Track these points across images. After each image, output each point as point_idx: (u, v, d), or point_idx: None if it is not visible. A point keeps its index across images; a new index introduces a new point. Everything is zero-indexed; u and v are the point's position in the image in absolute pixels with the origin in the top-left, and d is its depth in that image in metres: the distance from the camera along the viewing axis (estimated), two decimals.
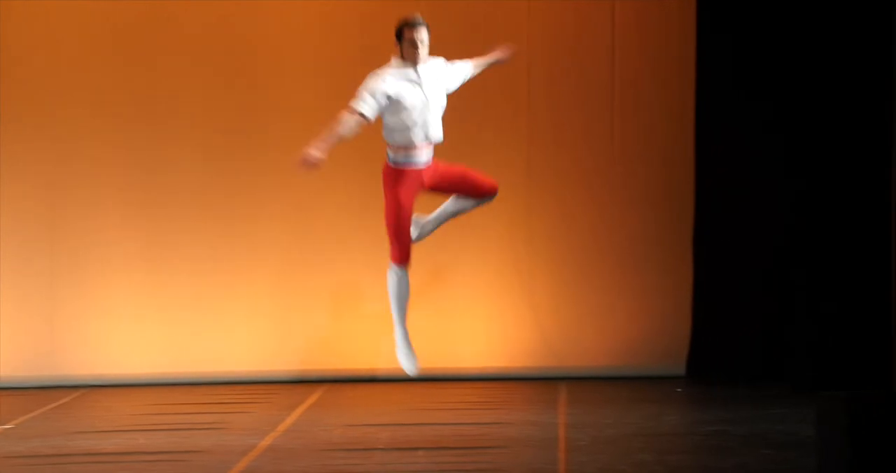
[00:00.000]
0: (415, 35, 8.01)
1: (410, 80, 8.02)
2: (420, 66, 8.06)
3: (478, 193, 8.10)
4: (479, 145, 11.00)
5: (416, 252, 11.18)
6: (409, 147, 7.97)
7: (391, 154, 8.09)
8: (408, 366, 8.14)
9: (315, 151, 7.76)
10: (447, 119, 11.12)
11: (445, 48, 11.17)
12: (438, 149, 8.24)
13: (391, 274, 8.12)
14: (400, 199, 7.98)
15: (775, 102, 10.90)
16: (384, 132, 8.17)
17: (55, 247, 11.29)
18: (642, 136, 11.25)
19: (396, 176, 8.01)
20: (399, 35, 8.13)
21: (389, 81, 7.98)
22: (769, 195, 11.01)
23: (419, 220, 8.31)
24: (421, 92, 8.00)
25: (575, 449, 8.04)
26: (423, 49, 8.01)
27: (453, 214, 8.31)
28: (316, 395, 10.55)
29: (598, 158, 11.21)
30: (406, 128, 7.95)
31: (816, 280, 10.75)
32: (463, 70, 8.34)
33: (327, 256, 11.33)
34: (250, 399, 10.46)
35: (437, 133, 8.05)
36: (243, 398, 10.52)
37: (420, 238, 8.25)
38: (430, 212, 8.46)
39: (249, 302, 11.34)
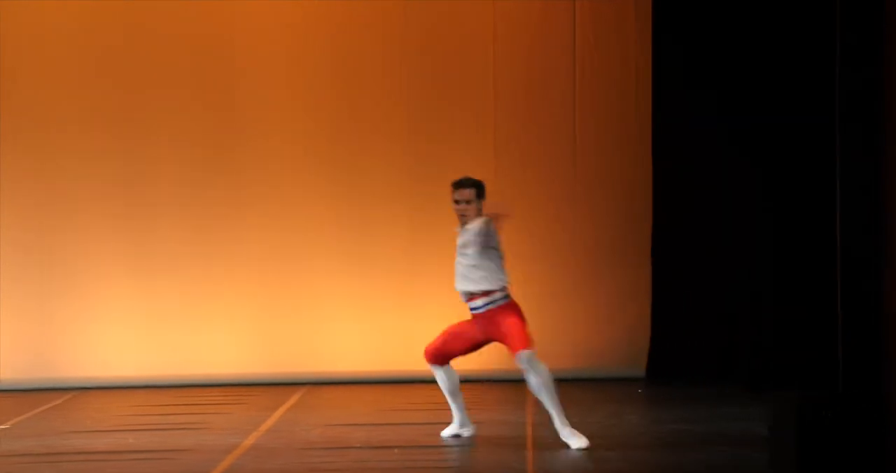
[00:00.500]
0: (455, 196, 8.16)
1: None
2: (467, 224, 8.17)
3: (513, 348, 8.07)
4: (445, 161, 11.04)
5: (387, 257, 11.28)
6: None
7: None
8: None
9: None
10: (417, 127, 11.37)
11: (416, 51, 11.38)
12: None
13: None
14: (455, 327, 8.18)
15: (731, 112, 10.92)
16: None
17: (48, 257, 11.32)
18: (602, 152, 11.33)
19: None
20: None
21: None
22: (723, 206, 11.07)
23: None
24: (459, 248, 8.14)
25: (543, 447, 8.10)
26: (464, 209, 8.10)
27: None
28: (296, 397, 10.55)
29: (559, 173, 11.30)
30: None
31: (768, 285, 10.82)
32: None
33: (306, 263, 11.35)
34: (234, 400, 10.45)
35: (459, 285, 8.16)
36: (227, 399, 10.50)
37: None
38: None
39: (232, 308, 11.38)
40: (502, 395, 10.55)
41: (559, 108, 11.36)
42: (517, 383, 10.93)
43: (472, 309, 8.10)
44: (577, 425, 8.76)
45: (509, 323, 8.02)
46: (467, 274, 8.06)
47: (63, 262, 11.34)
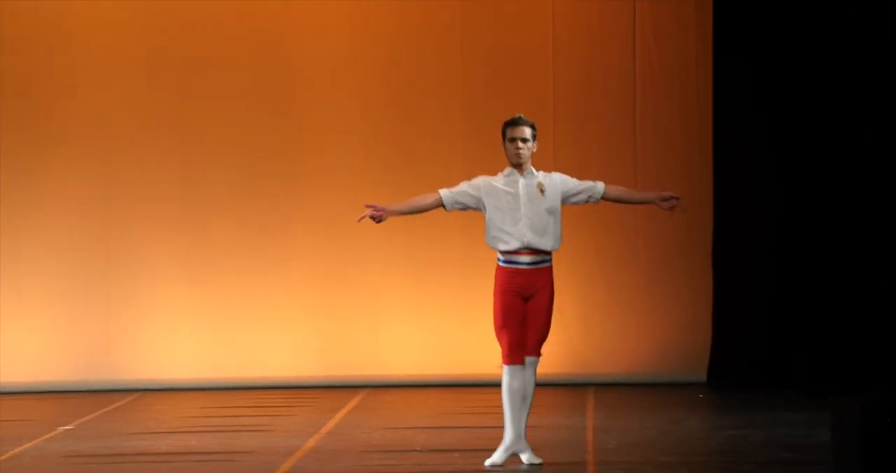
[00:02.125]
0: (512, 134, 7.51)
1: (509, 184, 7.52)
2: (526, 173, 7.53)
3: (525, 345, 7.51)
4: (501, 164, 11.00)
5: (446, 258, 11.28)
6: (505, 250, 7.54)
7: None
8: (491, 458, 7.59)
9: (383, 210, 7.48)
10: (474, 130, 11.30)
11: (472, 51, 11.34)
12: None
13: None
14: (504, 300, 7.52)
15: (793, 115, 10.83)
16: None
17: (110, 260, 11.34)
18: (663, 154, 11.24)
19: (499, 274, 7.56)
20: (502, 134, 7.56)
21: (480, 184, 7.58)
22: (786, 207, 10.95)
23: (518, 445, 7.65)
24: (516, 199, 7.54)
25: (603, 451, 8.04)
26: (522, 148, 7.47)
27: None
28: (356, 399, 10.55)
29: (619, 176, 11.01)
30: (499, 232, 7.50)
31: (832, 289, 10.71)
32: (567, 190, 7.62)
33: (365, 265, 11.34)
34: (294, 402, 10.46)
35: (529, 237, 7.45)
36: (288, 402, 10.52)
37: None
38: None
39: (291, 310, 11.36)
40: (562, 399, 10.53)
41: (619, 110, 11.28)
42: (576, 387, 11.09)
43: (514, 263, 7.49)
44: (637, 430, 8.79)
45: (549, 307, 7.54)
46: (543, 226, 7.49)
47: (125, 265, 11.37)
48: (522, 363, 7.52)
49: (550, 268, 7.61)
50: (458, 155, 11.27)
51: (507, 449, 7.58)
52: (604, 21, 11.28)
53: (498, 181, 7.61)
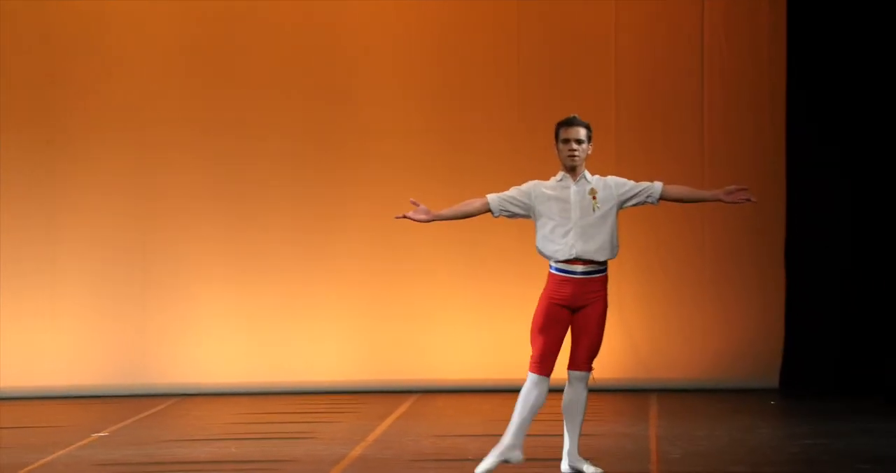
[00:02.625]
0: (565, 134, 7.38)
1: (560, 190, 7.38)
2: (579, 179, 7.35)
3: (574, 359, 7.38)
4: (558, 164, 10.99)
5: (500, 259, 11.15)
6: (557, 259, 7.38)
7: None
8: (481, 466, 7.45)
9: (425, 215, 7.31)
10: (529, 125, 11.15)
11: (529, 44, 11.22)
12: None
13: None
14: (547, 307, 7.36)
15: (869, 110, 10.78)
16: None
17: (147, 257, 11.33)
18: (732, 150, 11.14)
19: (550, 281, 7.41)
20: (555, 135, 7.40)
21: (531, 190, 7.38)
22: (862, 206, 10.86)
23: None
24: (566, 207, 7.36)
25: (667, 462, 7.93)
26: (576, 150, 7.29)
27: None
28: (406, 405, 10.53)
29: (685, 174, 11.02)
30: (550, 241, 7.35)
31: None
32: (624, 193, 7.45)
33: (416, 268, 11.30)
34: (340, 408, 10.46)
35: (581, 246, 7.32)
36: (333, 407, 10.52)
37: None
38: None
39: (338, 311, 11.34)
40: (623, 406, 10.46)
41: (686, 107, 11.19)
42: (638, 392, 10.99)
43: (565, 271, 7.32)
44: (704, 438, 8.64)
45: (600, 320, 7.34)
46: (595, 236, 7.29)
47: (163, 263, 11.37)
48: (548, 374, 7.43)
49: (605, 279, 7.42)
50: (511, 150, 11.21)
51: (499, 454, 7.45)
52: (670, 12, 11.19)
53: (548, 187, 7.45)
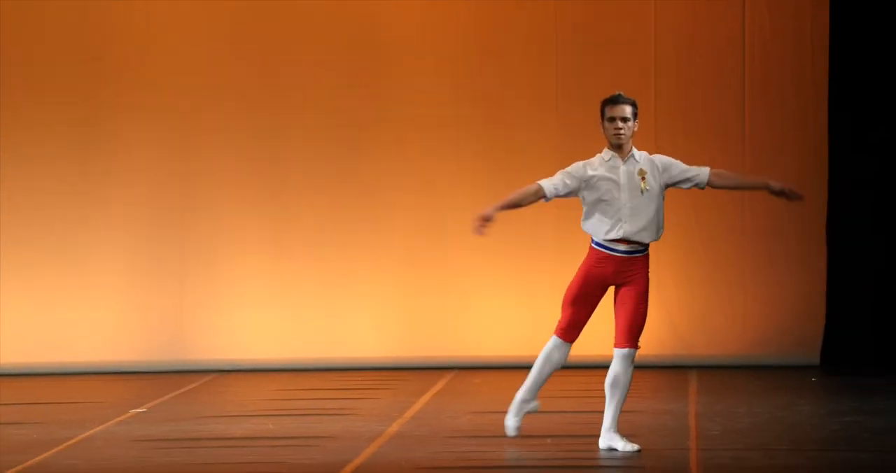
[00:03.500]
0: (611, 113, 7.38)
1: (609, 170, 7.42)
2: (627, 158, 7.41)
3: (616, 335, 7.49)
4: (599, 140, 10.94)
5: (538, 234, 11.14)
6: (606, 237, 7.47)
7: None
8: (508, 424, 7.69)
9: (488, 213, 7.47)
10: (568, 102, 11.17)
11: (567, 20, 11.22)
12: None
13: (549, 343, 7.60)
14: (584, 283, 7.49)
15: None
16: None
17: (185, 231, 11.39)
18: (774, 126, 11.11)
19: (590, 255, 7.51)
20: (601, 113, 7.45)
21: (578, 172, 7.44)
22: None
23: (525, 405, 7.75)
24: (616, 188, 7.40)
25: (706, 438, 7.96)
26: (622, 129, 7.35)
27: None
28: (443, 382, 10.55)
29: (726, 152, 11.08)
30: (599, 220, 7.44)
31: None
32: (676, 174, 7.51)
33: (454, 241, 11.32)
34: (377, 385, 10.48)
35: (631, 228, 7.38)
36: (370, 384, 10.54)
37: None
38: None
39: (376, 288, 11.38)
40: (663, 382, 10.48)
41: (728, 84, 11.17)
42: (677, 369, 11.03)
43: (608, 248, 7.42)
44: (744, 415, 8.68)
45: (642, 297, 7.44)
46: (643, 217, 7.39)
47: (200, 237, 11.41)
48: (571, 341, 7.57)
49: (646, 258, 7.51)
50: (551, 127, 11.22)
51: (518, 411, 7.63)
52: None
53: (596, 167, 7.49)
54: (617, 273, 7.46)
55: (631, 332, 7.48)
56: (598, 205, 7.43)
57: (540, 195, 7.50)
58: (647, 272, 7.52)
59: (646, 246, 7.49)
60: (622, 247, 7.45)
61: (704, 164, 7.61)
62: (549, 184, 7.49)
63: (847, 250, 11.03)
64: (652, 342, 10.72)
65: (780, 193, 7.58)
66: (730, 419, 8.59)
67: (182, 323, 11.40)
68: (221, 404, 9.78)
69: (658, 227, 7.49)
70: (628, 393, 7.55)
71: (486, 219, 7.50)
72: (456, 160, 11.33)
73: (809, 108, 11.10)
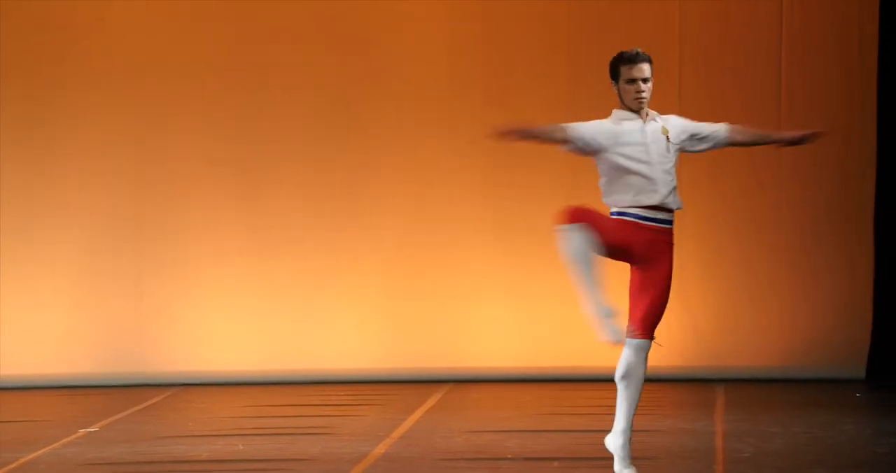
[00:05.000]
0: (631, 73, 7.35)
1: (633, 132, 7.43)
2: (648, 118, 7.41)
3: (636, 324, 7.36)
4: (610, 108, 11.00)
5: (543, 233, 11.06)
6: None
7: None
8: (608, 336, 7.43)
9: (518, 128, 7.30)
10: (579, 95, 11.08)
11: (586, 48, 11.18)
12: None
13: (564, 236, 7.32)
14: (611, 230, 7.35)
15: None
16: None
17: (143, 227, 11.38)
18: (814, 95, 11.09)
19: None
20: (614, 73, 7.36)
21: (606, 129, 7.38)
22: None
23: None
24: (646, 150, 7.40)
25: (736, 462, 7.93)
26: (643, 90, 7.34)
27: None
28: (436, 397, 10.59)
29: (761, 122, 11.01)
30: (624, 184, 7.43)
31: None
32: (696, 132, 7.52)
33: (449, 240, 11.33)
34: (362, 400, 10.53)
35: (661, 194, 7.37)
36: (354, 399, 10.59)
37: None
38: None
39: (362, 292, 11.38)
40: (686, 398, 10.54)
41: (761, 43, 11.12)
42: (703, 382, 11.04)
43: (641, 218, 7.35)
44: (778, 436, 8.67)
45: (667, 280, 7.34)
46: (671, 180, 7.33)
47: (161, 233, 11.41)
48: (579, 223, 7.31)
49: (673, 232, 7.44)
50: (561, 103, 11.16)
51: (605, 316, 7.33)
52: None
53: (619, 128, 7.41)
54: (648, 247, 7.34)
55: (649, 320, 7.38)
56: (626, 169, 7.33)
57: (563, 139, 7.36)
58: (673, 250, 7.43)
59: (672, 215, 7.41)
60: (657, 216, 7.35)
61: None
62: (576, 132, 7.37)
63: None
64: (674, 351, 10.79)
65: (800, 140, 7.53)
66: (762, 439, 8.59)
67: (139, 331, 11.41)
68: (184, 422, 9.82)
69: (677, 192, 7.46)
70: (641, 393, 7.46)
71: (511, 134, 7.31)
72: (452, 152, 11.32)
73: (856, 91, 11.08)
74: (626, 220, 7.36)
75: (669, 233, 7.37)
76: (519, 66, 11.30)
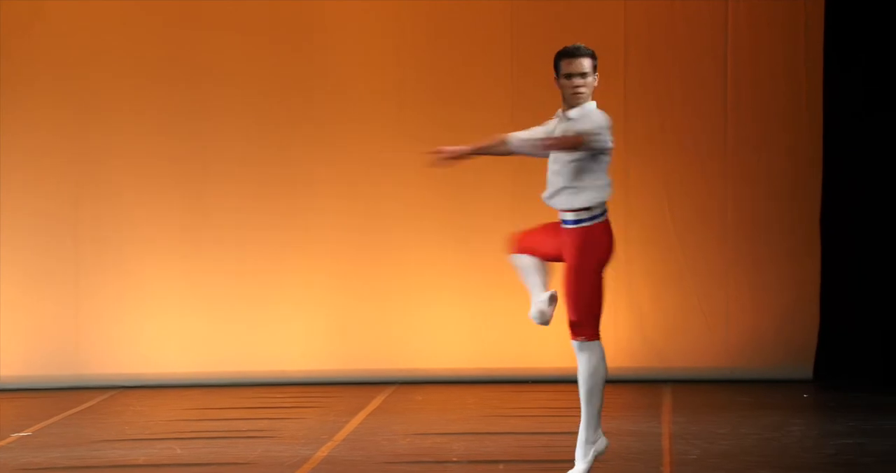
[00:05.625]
0: (567, 69, 7.37)
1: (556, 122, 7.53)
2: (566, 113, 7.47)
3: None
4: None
5: (491, 229, 11.14)
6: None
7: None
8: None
9: (460, 149, 7.43)
10: (531, 72, 11.08)
11: (536, 52, 11.22)
12: None
13: (592, 353, 7.45)
14: (543, 243, 7.51)
15: None
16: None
17: (80, 228, 11.34)
18: (760, 96, 11.16)
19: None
20: (555, 68, 7.41)
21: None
22: None
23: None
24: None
25: (682, 464, 7.98)
26: (581, 85, 7.34)
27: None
28: (380, 399, 10.61)
29: (707, 138, 11.15)
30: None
31: None
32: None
33: (394, 236, 11.33)
34: (304, 403, 10.53)
35: (548, 196, 7.49)
36: (296, 402, 10.59)
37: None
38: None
39: (305, 292, 11.37)
40: (633, 399, 10.56)
41: (707, 41, 11.19)
42: (650, 383, 11.08)
43: (562, 221, 7.46)
44: (725, 437, 8.71)
45: (573, 282, 7.38)
46: (556, 182, 7.40)
47: (100, 233, 11.38)
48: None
49: (587, 230, 7.39)
50: (505, 98, 11.22)
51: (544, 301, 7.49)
52: None
53: (547, 126, 7.50)
54: (562, 248, 7.44)
55: (571, 323, 7.46)
56: (603, 163, 7.41)
57: (507, 151, 7.48)
58: (586, 248, 7.45)
59: (583, 213, 7.40)
60: (563, 216, 7.41)
61: None
62: (516, 140, 7.48)
63: (844, 248, 11.11)
64: (620, 352, 10.83)
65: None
66: (709, 441, 8.63)
67: (77, 332, 11.37)
68: (121, 425, 9.75)
69: (584, 192, 7.41)
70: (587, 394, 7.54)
71: (453, 155, 7.44)
72: (399, 147, 11.31)
73: (803, 89, 11.15)
74: (556, 222, 7.47)
75: (572, 233, 7.37)
76: (465, 63, 11.31)
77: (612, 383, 10.69)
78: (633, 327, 11.10)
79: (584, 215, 7.34)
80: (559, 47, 7.43)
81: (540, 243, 7.48)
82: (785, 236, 11.18)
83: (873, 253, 11.01)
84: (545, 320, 7.50)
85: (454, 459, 8.21)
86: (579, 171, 7.33)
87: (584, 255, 7.34)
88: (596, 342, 7.42)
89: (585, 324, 7.38)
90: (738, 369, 11.17)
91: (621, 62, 11.15)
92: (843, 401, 10.35)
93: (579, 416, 7.54)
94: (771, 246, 11.17)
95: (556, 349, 10.98)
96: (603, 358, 7.43)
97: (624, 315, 11.14)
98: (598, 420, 7.46)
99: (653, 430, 9.06)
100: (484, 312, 11.28)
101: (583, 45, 7.38)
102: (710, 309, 11.20)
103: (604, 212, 7.37)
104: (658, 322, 11.23)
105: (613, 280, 11.03)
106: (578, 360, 7.44)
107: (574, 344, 7.42)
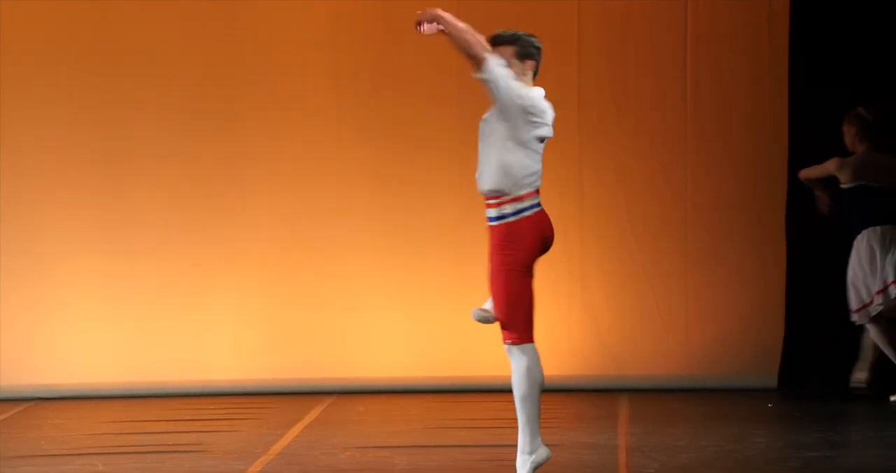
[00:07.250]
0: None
1: None
2: None
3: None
4: None
5: (436, 230, 11.23)
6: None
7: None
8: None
9: (439, 14, 7.53)
10: (469, 83, 11.15)
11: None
12: None
13: (522, 356, 7.58)
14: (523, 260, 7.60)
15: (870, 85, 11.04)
16: None
17: None
18: (722, 92, 11.23)
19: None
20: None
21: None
22: None
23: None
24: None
25: None
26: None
27: None
28: (318, 410, 10.62)
29: (666, 130, 11.21)
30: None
31: None
32: None
33: (332, 238, 11.34)
34: (237, 414, 10.52)
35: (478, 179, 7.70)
36: (228, 413, 10.58)
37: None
38: None
39: (237, 296, 11.37)
40: (587, 409, 10.61)
41: (667, 35, 11.27)
42: (606, 393, 11.10)
43: (538, 206, 7.62)
44: (685, 449, 8.74)
45: (496, 284, 7.52)
46: (482, 163, 7.59)
47: (18, 236, 11.35)
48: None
49: (495, 231, 7.55)
50: (451, 90, 11.23)
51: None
52: None
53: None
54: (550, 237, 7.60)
55: (502, 325, 7.58)
56: (535, 139, 7.52)
57: (480, 57, 7.49)
58: (496, 253, 7.59)
59: (493, 211, 7.56)
60: (487, 213, 7.58)
61: None
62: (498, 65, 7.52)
63: (811, 251, 11.18)
64: (574, 359, 10.79)
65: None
66: (668, 454, 8.67)
67: None
68: (37, 440, 9.71)
69: (487, 174, 7.61)
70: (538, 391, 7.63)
71: (432, 19, 7.57)
72: (336, 143, 11.33)
73: (765, 88, 11.23)
74: (539, 216, 7.59)
75: (492, 230, 7.53)
76: (406, 57, 11.31)
77: (567, 392, 10.88)
78: (587, 332, 11.13)
79: (494, 203, 7.51)
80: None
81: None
82: (749, 237, 11.26)
83: (841, 258, 10.99)
84: (483, 317, 7.62)
85: None
86: (493, 147, 7.54)
87: (495, 260, 7.50)
88: (527, 345, 7.50)
89: (511, 327, 7.49)
90: (699, 377, 11.24)
91: (574, 56, 11.18)
92: (810, 411, 10.41)
93: None
94: (734, 249, 11.25)
95: (501, 356, 10.99)
96: (537, 362, 7.51)
97: (577, 319, 11.17)
98: (535, 428, 7.53)
99: (609, 442, 9.09)
100: (427, 317, 11.30)
101: (505, 31, 7.60)
102: (669, 314, 11.26)
103: (528, 208, 7.49)
104: (614, 327, 11.27)
105: (566, 282, 11.18)
106: (511, 364, 7.54)
107: (505, 347, 7.53)
